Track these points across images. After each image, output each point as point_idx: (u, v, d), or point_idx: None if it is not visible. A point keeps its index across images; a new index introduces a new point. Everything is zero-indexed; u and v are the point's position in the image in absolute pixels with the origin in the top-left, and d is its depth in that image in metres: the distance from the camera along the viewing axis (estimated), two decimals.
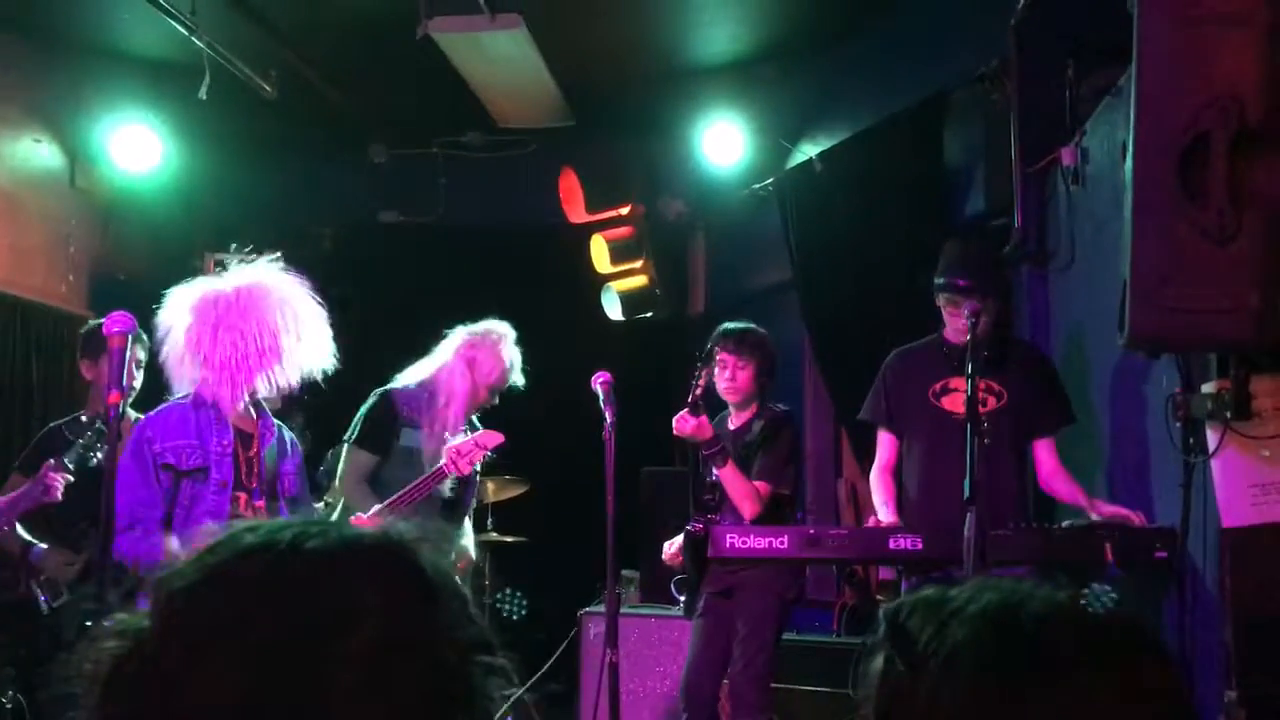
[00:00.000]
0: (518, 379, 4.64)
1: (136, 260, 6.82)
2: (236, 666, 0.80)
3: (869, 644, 1.02)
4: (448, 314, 4.63)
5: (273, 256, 3.64)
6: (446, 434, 4.44)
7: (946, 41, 5.36)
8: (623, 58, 6.38)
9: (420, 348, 4.65)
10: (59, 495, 3.88)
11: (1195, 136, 2.62)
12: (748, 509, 4.34)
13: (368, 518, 3.87)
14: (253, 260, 3.64)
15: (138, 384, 4.47)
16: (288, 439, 3.73)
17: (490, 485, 6.08)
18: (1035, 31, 4.60)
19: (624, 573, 6.06)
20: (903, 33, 5.69)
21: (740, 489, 4.36)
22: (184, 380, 3.46)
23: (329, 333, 3.59)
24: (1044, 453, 4.04)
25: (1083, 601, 0.99)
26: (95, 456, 3.97)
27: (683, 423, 4.30)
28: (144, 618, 0.86)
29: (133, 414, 4.57)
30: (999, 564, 3.38)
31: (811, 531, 3.84)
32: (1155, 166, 2.68)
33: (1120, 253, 2.84)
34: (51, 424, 4.71)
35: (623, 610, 5.05)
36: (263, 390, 3.47)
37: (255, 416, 3.57)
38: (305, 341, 3.51)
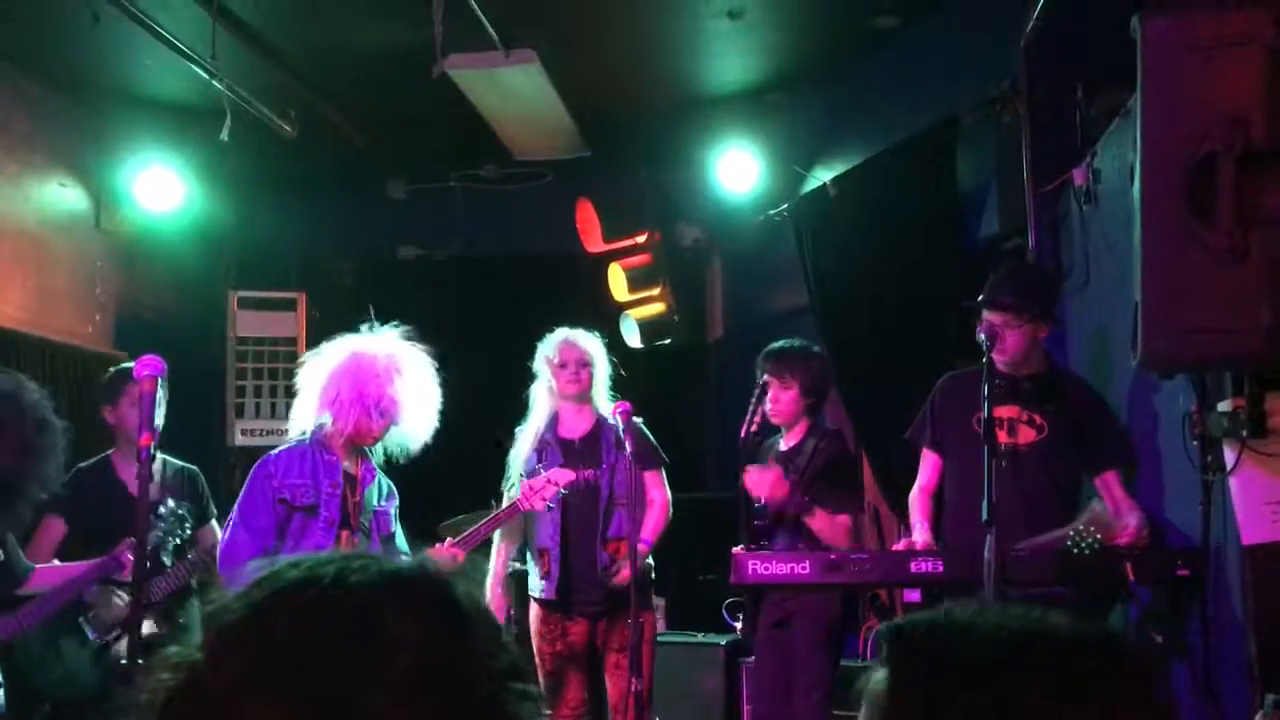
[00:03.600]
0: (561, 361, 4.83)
1: (161, 299, 6.91)
2: (283, 699, 0.84)
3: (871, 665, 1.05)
4: (469, 346, 4.69)
5: (402, 331, 4.05)
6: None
7: (957, 65, 5.39)
8: (636, 89, 6.44)
9: (441, 381, 4.71)
10: (128, 575, 4.06)
11: (1202, 157, 2.65)
12: (842, 544, 4.33)
13: (445, 548, 4.14)
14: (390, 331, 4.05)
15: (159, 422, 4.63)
16: (385, 484, 4.04)
17: None
18: (1045, 53, 4.63)
19: None
20: (913, 57, 5.73)
21: (831, 531, 4.35)
22: (306, 418, 3.89)
23: (435, 412, 4.01)
24: (1108, 488, 3.90)
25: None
26: (173, 541, 4.30)
27: (762, 487, 4.29)
28: (195, 650, 0.90)
29: (161, 455, 4.74)
30: (1023, 586, 3.36)
31: (833, 556, 3.84)
32: (1163, 188, 2.71)
33: (1132, 273, 2.87)
34: (80, 465, 4.77)
35: None
36: (367, 441, 3.90)
37: (358, 461, 3.94)
38: (416, 414, 3.94)
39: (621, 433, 4.48)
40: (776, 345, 4.55)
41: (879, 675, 1.03)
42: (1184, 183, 2.67)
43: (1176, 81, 2.70)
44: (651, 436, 4.84)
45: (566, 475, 4.44)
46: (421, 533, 4.59)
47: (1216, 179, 2.64)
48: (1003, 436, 3.82)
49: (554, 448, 4.75)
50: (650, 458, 4.78)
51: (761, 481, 4.29)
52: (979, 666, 0.97)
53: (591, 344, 4.85)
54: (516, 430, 4.90)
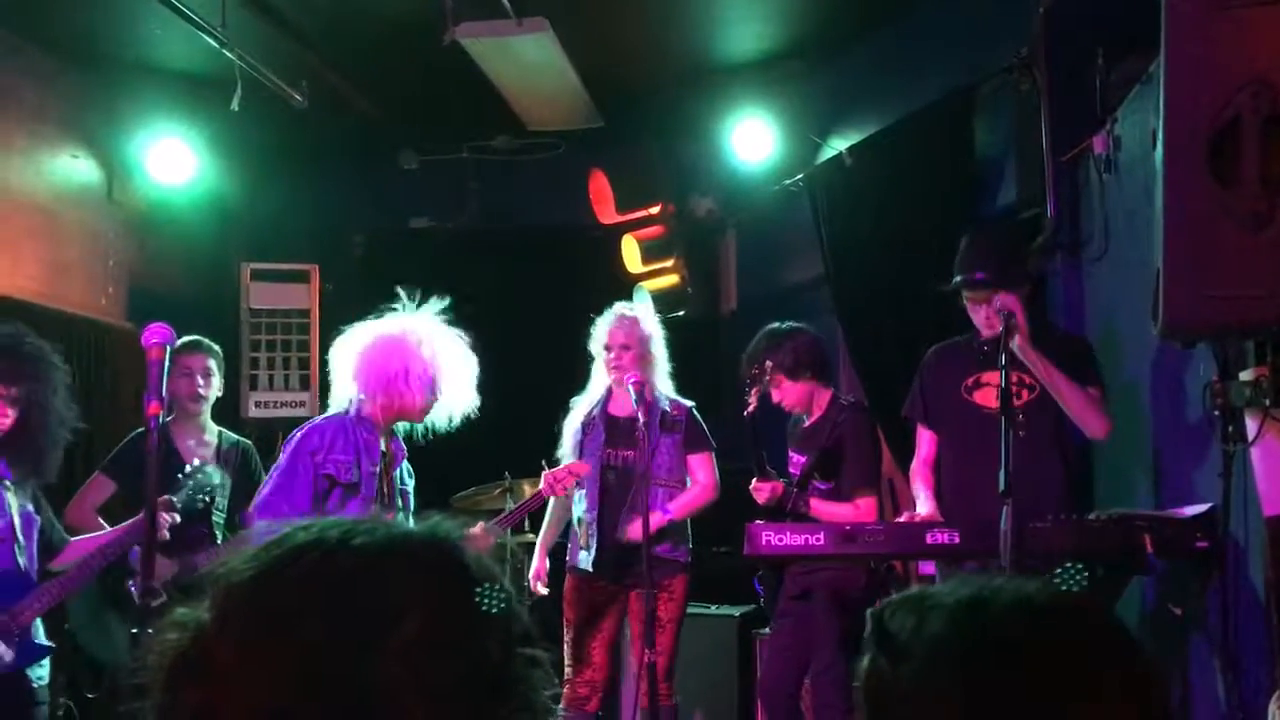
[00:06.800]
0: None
1: (174, 271, 6.90)
2: (288, 659, 0.83)
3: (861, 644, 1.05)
4: (481, 318, 4.65)
5: (440, 309, 4.07)
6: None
7: (975, 32, 5.32)
8: (650, 58, 6.38)
9: None
10: (166, 534, 4.01)
11: (1226, 122, 2.60)
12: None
13: (479, 530, 4.12)
14: (424, 308, 4.07)
15: (213, 393, 4.82)
16: (407, 465, 4.08)
17: (526, 487, 6.10)
18: (1064, 20, 4.57)
19: None
20: (931, 24, 5.65)
21: (841, 516, 4.39)
22: (344, 394, 3.88)
23: (472, 389, 4.03)
24: None
25: (1055, 581, 1.01)
26: (203, 499, 4.22)
27: (761, 494, 4.40)
28: (204, 611, 0.89)
29: (213, 425, 4.90)
30: (1040, 558, 3.33)
31: (848, 527, 3.83)
32: (1186, 153, 2.66)
33: (1153, 241, 2.82)
34: (138, 429, 4.78)
35: None
36: (414, 417, 3.92)
37: (390, 439, 3.95)
38: (456, 385, 3.96)
39: (635, 403, 4.48)
40: (772, 331, 4.63)
41: (865, 655, 1.03)
42: (1208, 147, 2.61)
43: (1201, 42, 2.64)
44: (702, 421, 4.92)
45: (583, 467, 4.62)
46: (433, 506, 4.60)
47: (1241, 143, 2.58)
48: (996, 401, 3.79)
49: (599, 424, 4.86)
50: (698, 441, 4.87)
51: (760, 492, 4.41)
52: (941, 641, 0.97)
53: (638, 325, 4.86)
54: (572, 401, 5.01)
